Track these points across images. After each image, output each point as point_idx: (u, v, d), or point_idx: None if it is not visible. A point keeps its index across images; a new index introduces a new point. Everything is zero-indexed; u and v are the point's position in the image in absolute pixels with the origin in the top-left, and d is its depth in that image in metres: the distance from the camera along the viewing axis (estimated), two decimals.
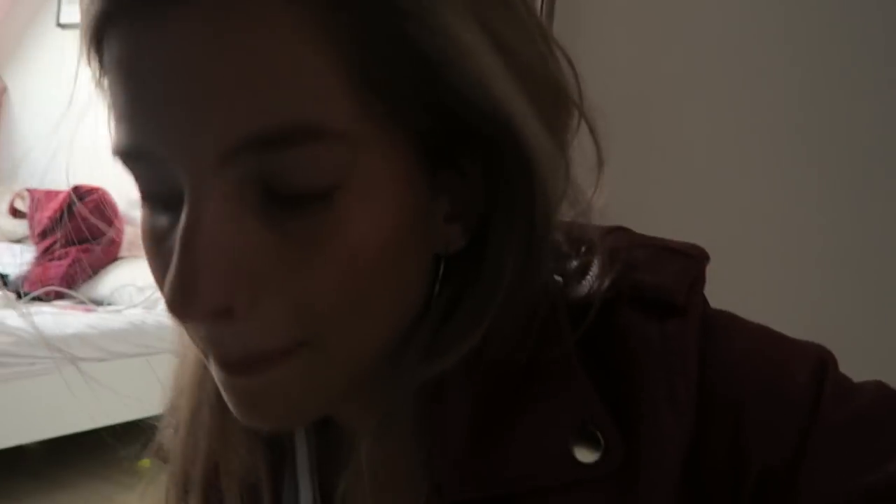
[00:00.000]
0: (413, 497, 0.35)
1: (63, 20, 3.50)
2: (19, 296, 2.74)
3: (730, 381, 0.32)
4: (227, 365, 0.31)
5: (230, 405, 0.33)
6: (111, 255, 2.93)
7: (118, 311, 2.60)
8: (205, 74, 0.27)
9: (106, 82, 0.31)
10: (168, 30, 0.27)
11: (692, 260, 0.35)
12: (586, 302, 0.34)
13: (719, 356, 0.32)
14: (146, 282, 2.73)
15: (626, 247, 0.36)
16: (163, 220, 0.31)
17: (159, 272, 0.32)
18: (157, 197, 0.31)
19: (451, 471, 0.33)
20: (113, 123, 0.31)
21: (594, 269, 0.34)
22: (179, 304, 0.28)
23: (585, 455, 0.31)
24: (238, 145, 0.27)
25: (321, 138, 0.28)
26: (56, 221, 2.94)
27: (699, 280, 0.35)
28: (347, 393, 0.35)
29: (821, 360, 0.33)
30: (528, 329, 0.33)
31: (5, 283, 2.84)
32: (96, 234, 2.90)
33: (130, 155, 0.30)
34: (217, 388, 0.35)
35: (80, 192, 2.96)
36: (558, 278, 0.35)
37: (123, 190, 3.10)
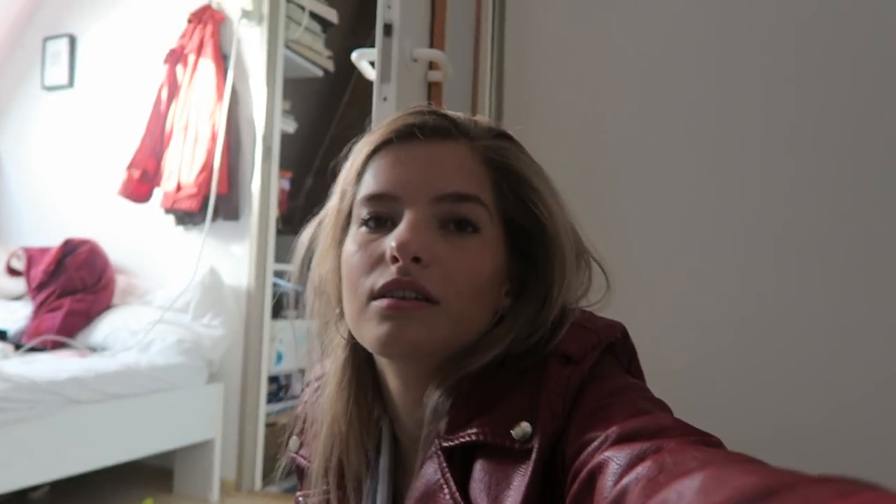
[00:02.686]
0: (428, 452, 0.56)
1: (47, 83, 3.49)
2: (17, 347, 2.69)
3: (588, 404, 0.52)
4: (395, 305, 0.55)
5: (380, 335, 0.56)
6: (104, 303, 2.90)
7: (112, 356, 2.56)
8: (437, 164, 0.59)
9: (366, 171, 0.61)
10: (421, 147, 0.60)
11: (596, 335, 0.57)
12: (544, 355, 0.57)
13: (590, 390, 0.53)
14: (139, 325, 2.70)
15: (570, 328, 0.58)
16: (375, 235, 0.59)
17: (365, 262, 0.58)
18: (377, 220, 0.59)
19: (447, 429, 0.55)
20: (363, 189, 0.60)
21: (555, 340, 0.57)
22: (402, 250, 0.55)
23: (519, 434, 0.52)
24: (443, 195, 0.58)
25: (479, 203, 0.59)
26: (50, 274, 2.89)
27: (597, 346, 0.56)
28: (435, 369, 0.58)
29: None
30: (518, 357, 0.57)
31: (4, 338, 2.78)
32: (88, 284, 2.86)
33: (378, 196, 0.59)
34: (348, 405, 0.63)
35: (71, 245, 2.93)
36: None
37: (113, 240, 3.07)
